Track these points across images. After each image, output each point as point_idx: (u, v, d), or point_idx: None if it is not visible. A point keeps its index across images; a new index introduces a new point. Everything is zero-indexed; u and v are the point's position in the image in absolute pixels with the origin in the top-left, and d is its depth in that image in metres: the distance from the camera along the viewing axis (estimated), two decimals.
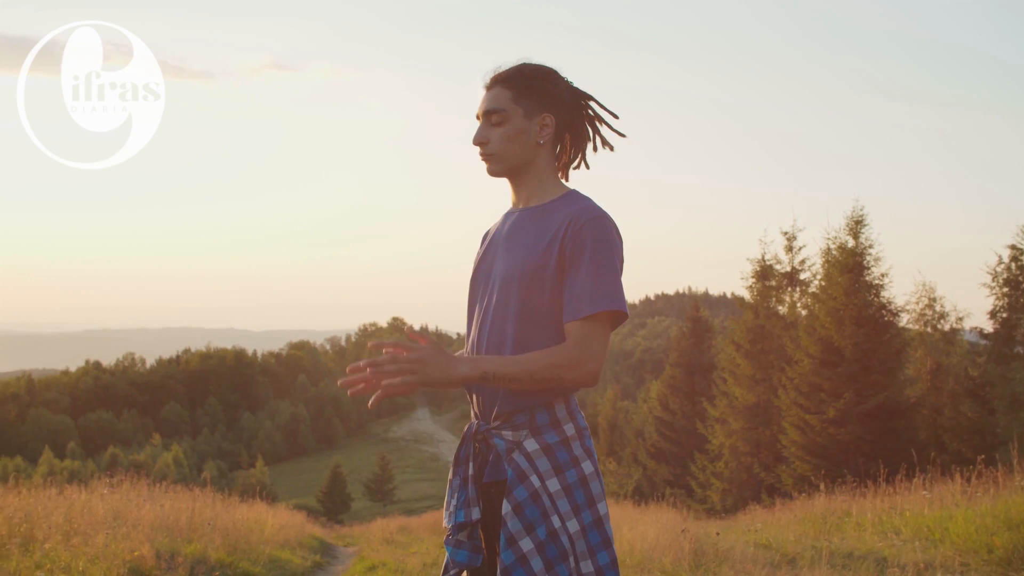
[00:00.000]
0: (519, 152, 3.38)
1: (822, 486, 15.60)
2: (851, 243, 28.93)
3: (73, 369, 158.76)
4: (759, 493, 30.25)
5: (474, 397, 3.38)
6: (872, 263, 28.67)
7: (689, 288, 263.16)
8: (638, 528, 11.36)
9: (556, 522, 3.15)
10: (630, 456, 49.63)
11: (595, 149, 3.53)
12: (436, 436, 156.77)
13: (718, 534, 10.09)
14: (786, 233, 33.99)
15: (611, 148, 3.52)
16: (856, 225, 29.07)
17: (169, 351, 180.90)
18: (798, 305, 33.49)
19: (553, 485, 3.18)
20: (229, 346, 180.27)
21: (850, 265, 28.47)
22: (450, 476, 3.41)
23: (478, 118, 3.43)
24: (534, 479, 3.17)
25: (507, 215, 3.49)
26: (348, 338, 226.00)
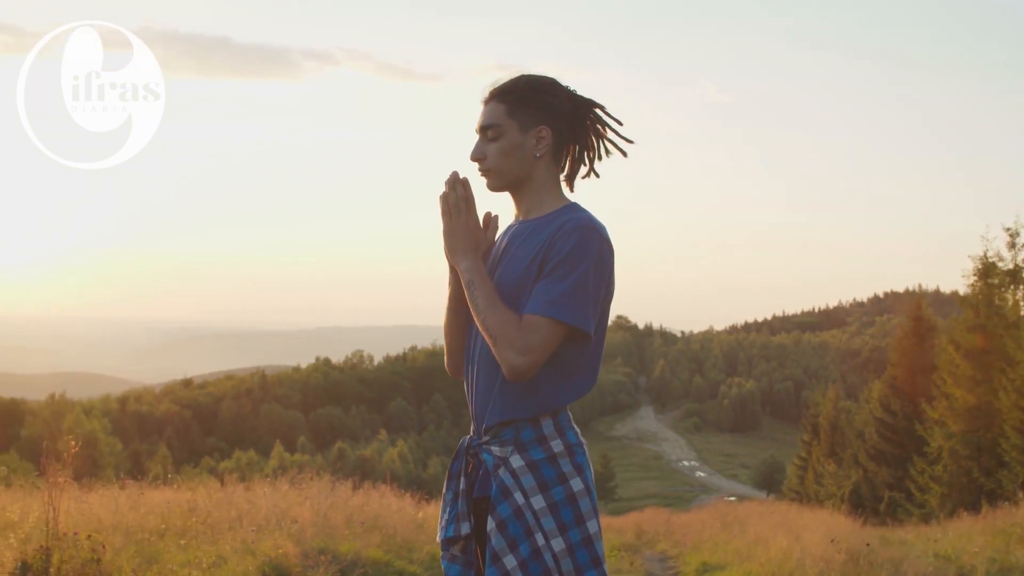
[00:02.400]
0: (516, 166, 3.35)
1: (1020, 494, 14.86)
2: None
3: (304, 366, 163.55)
4: (979, 499, 29.15)
5: (470, 409, 3.38)
6: None
7: (919, 285, 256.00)
8: (803, 536, 11.01)
9: (540, 540, 3.15)
10: (850, 458, 48.50)
11: (599, 158, 3.47)
12: (660, 435, 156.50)
13: (868, 544, 9.65)
14: (1008, 229, 32.63)
15: (624, 154, 3.48)
16: None
17: (396, 348, 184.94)
18: (1021, 304, 32.16)
19: (538, 502, 3.17)
20: None
21: None
22: (443, 490, 3.44)
23: (477, 133, 3.40)
24: (518, 496, 3.18)
25: (508, 228, 3.47)
26: None
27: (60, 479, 7.42)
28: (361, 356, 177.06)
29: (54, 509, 7.07)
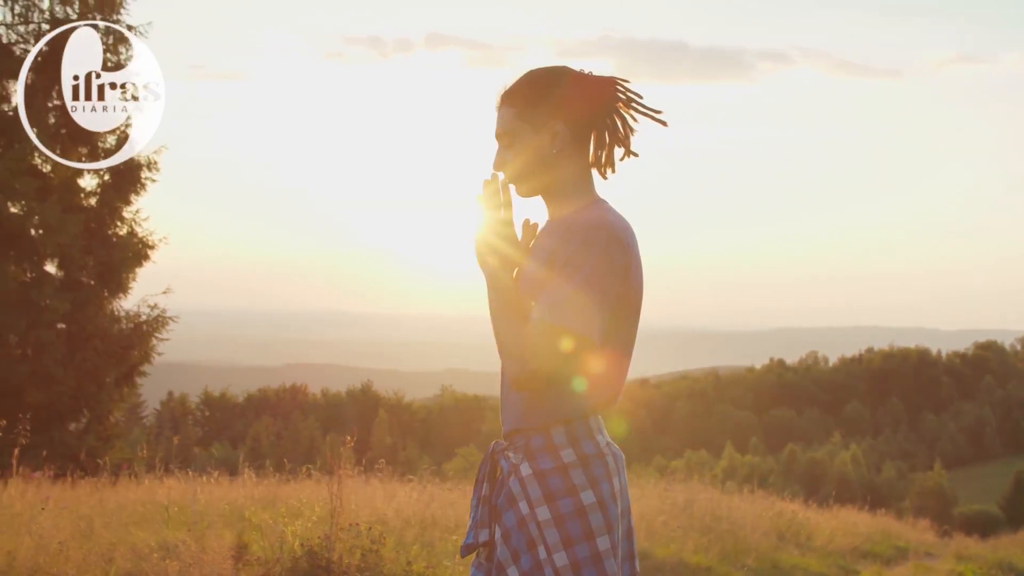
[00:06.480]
0: (537, 169, 3.21)
1: None
2: None
3: (758, 367, 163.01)
4: None
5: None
6: None
7: None
8: None
9: (542, 553, 3.02)
10: None
11: (627, 136, 3.24)
12: None
13: None
14: None
15: (664, 124, 3.24)
16: None
17: (852, 349, 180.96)
18: None
19: (543, 513, 3.04)
20: (913, 345, 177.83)
21: None
22: (471, 496, 3.36)
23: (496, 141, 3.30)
24: (523, 505, 3.07)
25: (541, 230, 3.33)
26: None
27: (343, 471, 7.86)
28: (816, 357, 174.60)
29: (340, 500, 7.49)
